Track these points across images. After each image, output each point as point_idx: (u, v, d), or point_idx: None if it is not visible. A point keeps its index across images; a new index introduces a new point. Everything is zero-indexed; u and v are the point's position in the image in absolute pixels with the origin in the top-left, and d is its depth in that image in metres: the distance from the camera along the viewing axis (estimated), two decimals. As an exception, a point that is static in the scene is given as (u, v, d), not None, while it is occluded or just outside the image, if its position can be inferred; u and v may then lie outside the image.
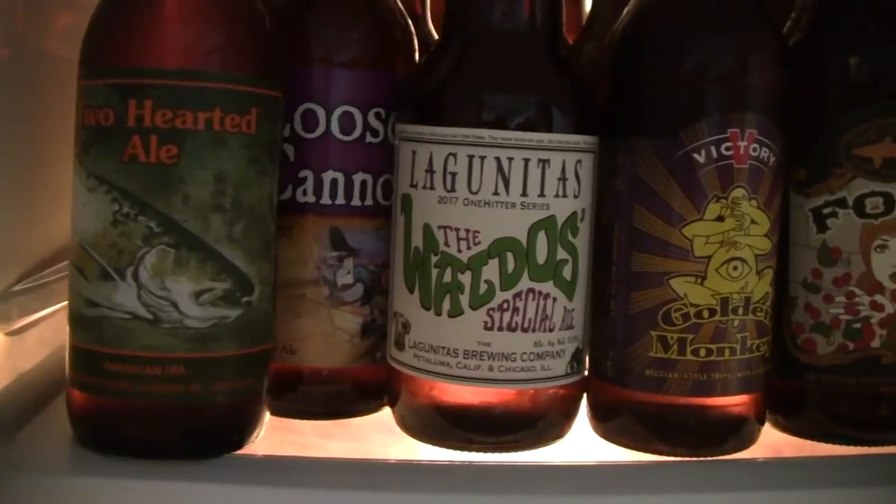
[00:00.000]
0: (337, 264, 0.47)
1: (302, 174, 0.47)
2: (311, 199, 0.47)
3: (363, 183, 0.47)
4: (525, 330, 0.44)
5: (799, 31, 0.48)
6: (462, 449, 0.46)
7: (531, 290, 0.44)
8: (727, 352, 0.45)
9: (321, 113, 0.46)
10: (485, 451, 0.45)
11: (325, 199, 0.47)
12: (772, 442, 0.49)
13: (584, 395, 0.48)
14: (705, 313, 0.44)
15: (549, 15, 0.45)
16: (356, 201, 0.47)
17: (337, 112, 0.46)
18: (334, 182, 0.47)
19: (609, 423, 0.47)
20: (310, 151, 0.47)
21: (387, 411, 0.48)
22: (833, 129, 0.46)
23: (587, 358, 0.47)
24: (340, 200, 0.47)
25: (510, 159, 0.43)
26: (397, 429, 0.47)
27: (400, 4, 0.49)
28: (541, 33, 0.45)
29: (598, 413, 0.47)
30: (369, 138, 0.47)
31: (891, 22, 0.47)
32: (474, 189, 0.43)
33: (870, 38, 0.47)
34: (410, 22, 0.49)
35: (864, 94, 0.47)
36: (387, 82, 0.47)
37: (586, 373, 0.47)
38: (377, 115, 0.47)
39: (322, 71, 0.46)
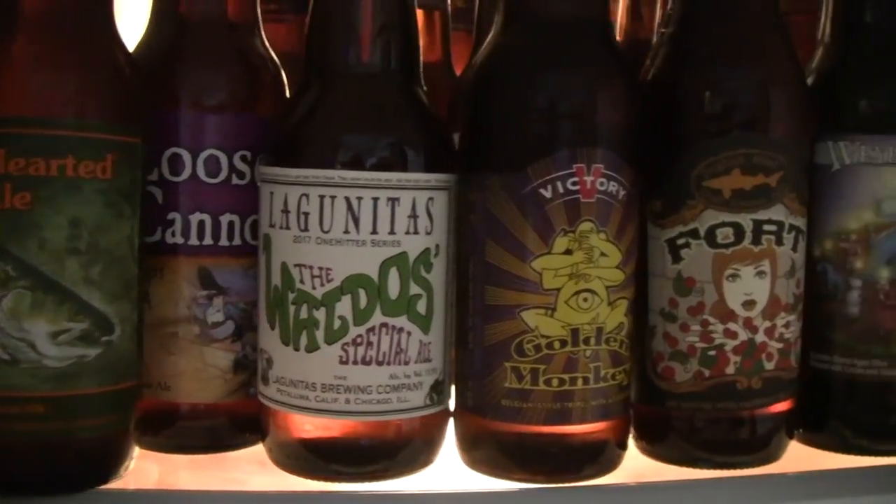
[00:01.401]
0: (207, 303, 0.49)
1: (170, 216, 0.49)
2: (179, 240, 0.49)
3: (230, 224, 0.49)
4: (380, 363, 0.46)
5: (654, 66, 0.50)
6: (328, 480, 0.47)
7: (384, 325, 0.46)
8: (580, 381, 0.47)
9: (187, 157, 0.48)
10: (350, 481, 0.47)
11: (194, 240, 0.49)
12: (638, 467, 0.50)
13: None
14: (556, 344, 0.46)
15: (402, 56, 0.47)
16: (224, 241, 0.49)
17: (203, 155, 0.48)
18: (202, 223, 0.49)
19: (473, 453, 0.49)
20: (177, 194, 0.49)
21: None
22: (685, 161, 0.48)
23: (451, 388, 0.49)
24: (208, 241, 0.49)
25: (360, 199, 0.45)
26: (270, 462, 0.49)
27: (270, 49, 0.51)
28: (394, 74, 0.47)
29: (462, 442, 0.49)
30: (236, 180, 0.49)
31: (739, 56, 0.49)
32: (326, 228, 0.45)
33: (718, 72, 0.49)
34: (279, 66, 0.51)
35: (713, 127, 0.48)
36: (252, 126, 0.49)
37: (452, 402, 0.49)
38: (243, 158, 0.49)
39: (187, 116, 0.48)
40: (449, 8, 0.62)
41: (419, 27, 0.55)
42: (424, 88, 0.49)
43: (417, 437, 0.48)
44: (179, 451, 0.51)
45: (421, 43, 0.51)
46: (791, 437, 0.53)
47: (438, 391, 0.48)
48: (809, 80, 0.53)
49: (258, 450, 0.50)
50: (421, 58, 0.49)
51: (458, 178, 0.48)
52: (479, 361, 0.47)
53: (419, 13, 0.57)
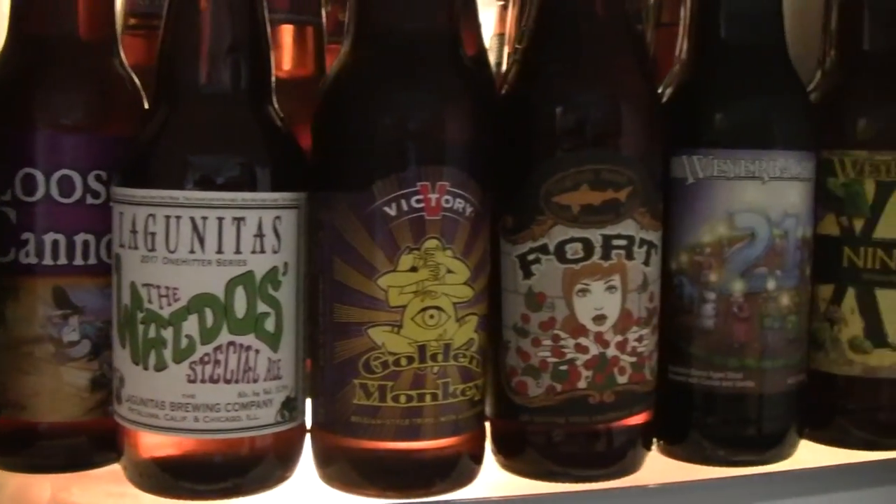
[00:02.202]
0: (62, 322, 0.50)
1: (24, 236, 0.50)
2: (33, 260, 0.50)
3: (85, 243, 0.50)
4: (228, 381, 0.47)
5: (507, 82, 0.51)
6: (182, 498, 0.48)
7: (232, 343, 0.47)
8: (428, 397, 0.48)
9: (40, 177, 0.49)
10: (203, 499, 0.48)
11: (48, 260, 0.50)
12: (497, 481, 0.51)
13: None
14: (403, 361, 0.47)
15: (251, 76, 0.48)
16: (79, 261, 0.50)
17: (56, 176, 0.49)
18: (56, 243, 0.50)
19: (327, 469, 0.50)
20: (31, 214, 0.49)
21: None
22: (534, 178, 0.49)
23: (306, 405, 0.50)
24: (63, 261, 0.50)
25: (205, 219, 0.46)
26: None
27: (129, 69, 0.52)
28: (242, 94, 0.48)
29: (317, 458, 0.50)
30: (90, 200, 0.50)
31: (586, 73, 0.50)
32: (172, 248, 0.46)
33: (566, 89, 0.50)
34: (138, 85, 0.52)
35: (561, 144, 0.50)
36: (107, 146, 0.50)
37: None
38: (98, 178, 0.50)
39: (39, 136, 0.49)
40: (324, 23, 0.63)
41: (289, 43, 0.56)
42: (274, 106, 0.49)
43: (270, 454, 0.49)
44: (39, 470, 0.51)
45: (292, 58, 0.52)
46: (649, 449, 0.53)
47: (290, 408, 0.49)
48: (666, 95, 0.54)
49: (117, 467, 0.51)
50: (272, 76, 0.49)
51: (308, 197, 0.48)
52: (329, 378, 0.48)
53: (290, 28, 0.58)
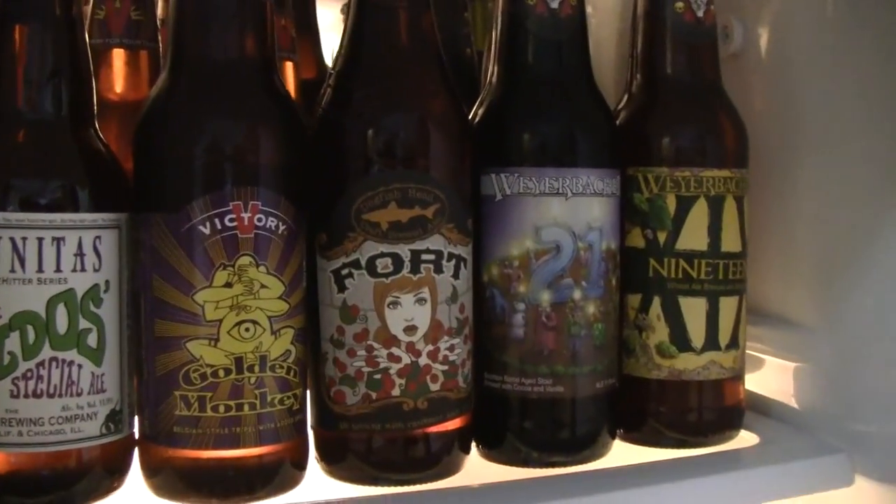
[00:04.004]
0: None
1: None
2: None
3: None
4: (51, 396, 0.51)
5: (321, 104, 0.56)
6: (11, 511, 0.51)
7: (54, 359, 0.51)
8: (246, 407, 0.52)
9: None
10: (32, 510, 0.51)
11: None
12: (322, 487, 0.56)
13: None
14: (221, 373, 0.51)
15: (72, 101, 0.52)
16: None
17: None
18: None
19: (154, 479, 0.54)
20: None
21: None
22: (345, 196, 0.54)
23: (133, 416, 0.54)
24: None
25: (24, 239, 0.50)
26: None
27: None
28: (64, 118, 0.52)
29: (144, 468, 0.54)
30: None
31: (393, 95, 0.55)
32: (-7, 268, 0.50)
33: (373, 111, 0.55)
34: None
35: (369, 164, 0.54)
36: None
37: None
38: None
39: None
40: (159, 46, 0.68)
41: (122, 67, 0.60)
42: (95, 129, 0.53)
43: (97, 466, 0.53)
44: None
45: (125, 82, 0.56)
46: (467, 453, 0.58)
47: (116, 420, 0.53)
48: (477, 116, 0.59)
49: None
50: (93, 101, 0.54)
51: (128, 217, 0.52)
52: (152, 391, 0.52)
53: (123, 53, 0.62)
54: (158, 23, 0.68)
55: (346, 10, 0.84)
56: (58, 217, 0.51)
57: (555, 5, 0.59)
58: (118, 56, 0.64)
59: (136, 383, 0.54)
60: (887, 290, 0.61)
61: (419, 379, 0.55)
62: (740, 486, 0.60)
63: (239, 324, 0.51)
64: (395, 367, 0.55)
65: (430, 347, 0.55)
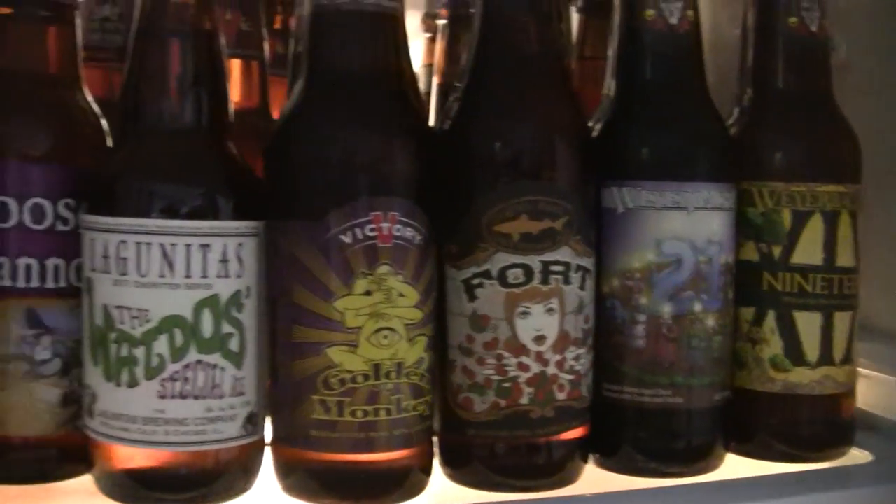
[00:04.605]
0: (34, 341, 0.55)
1: (-1, 260, 0.55)
2: (7, 283, 0.55)
3: (56, 267, 0.56)
4: (196, 397, 0.53)
5: (450, 118, 0.58)
6: (153, 506, 0.54)
7: (199, 362, 0.53)
8: (383, 412, 0.54)
9: (13, 204, 0.55)
10: (172, 506, 0.53)
11: (21, 283, 0.55)
12: (445, 491, 0.58)
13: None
14: (359, 378, 0.53)
15: (211, 114, 0.54)
16: (50, 283, 0.55)
17: (28, 204, 0.55)
18: (28, 267, 0.55)
19: (287, 480, 0.56)
20: (4, 240, 0.55)
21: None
22: (476, 208, 0.56)
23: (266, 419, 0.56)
24: (35, 283, 0.55)
25: (173, 245, 0.52)
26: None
27: (92, 102, 0.58)
28: (204, 130, 0.54)
29: (278, 469, 0.56)
30: (60, 227, 0.55)
31: (524, 110, 0.57)
32: (143, 272, 0.52)
33: (505, 125, 0.57)
34: (99, 117, 0.58)
35: (501, 177, 0.56)
36: (74, 176, 0.56)
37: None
38: (67, 206, 0.55)
39: (12, 166, 0.55)
40: (266, 56, 0.70)
41: (236, 77, 0.62)
42: (234, 140, 0.55)
43: (234, 466, 0.55)
44: (11, 482, 0.56)
45: (239, 91, 0.58)
46: (586, 462, 0.60)
47: (253, 422, 0.55)
48: (597, 130, 0.61)
49: (86, 479, 0.56)
50: (231, 112, 0.56)
51: (266, 225, 0.54)
52: (289, 395, 0.54)
53: (236, 63, 0.65)
54: (264, 32, 0.70)
55: (427, 18, 0.87)
56: (204, 225, 0.52)
57: (673, 21, 0.61)
58: (231, 67, 0.66)
59: (268, 387, 0.55)
60: None
61: (547, 388, 0.57)
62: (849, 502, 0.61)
63: (378, 331, 0.53)
64: (524, 376, 0.56)
65: (558, 357, 0.57)
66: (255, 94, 0.70)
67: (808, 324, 0.64)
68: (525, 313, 0.56)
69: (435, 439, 0.59)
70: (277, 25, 0.75)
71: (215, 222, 0.53)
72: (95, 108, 0.58)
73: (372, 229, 0.53)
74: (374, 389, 0.53)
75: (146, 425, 0.53)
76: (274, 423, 0.56)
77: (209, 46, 0.55)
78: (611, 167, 0.60)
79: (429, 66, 0.89)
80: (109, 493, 0.55)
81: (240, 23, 0.68)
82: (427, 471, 0.57)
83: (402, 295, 0.53)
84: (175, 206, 0.52)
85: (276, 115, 0.70)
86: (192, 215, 0.52)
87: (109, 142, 0.58)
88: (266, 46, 0.71)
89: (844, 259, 0.64)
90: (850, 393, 0.66)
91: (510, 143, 0.56)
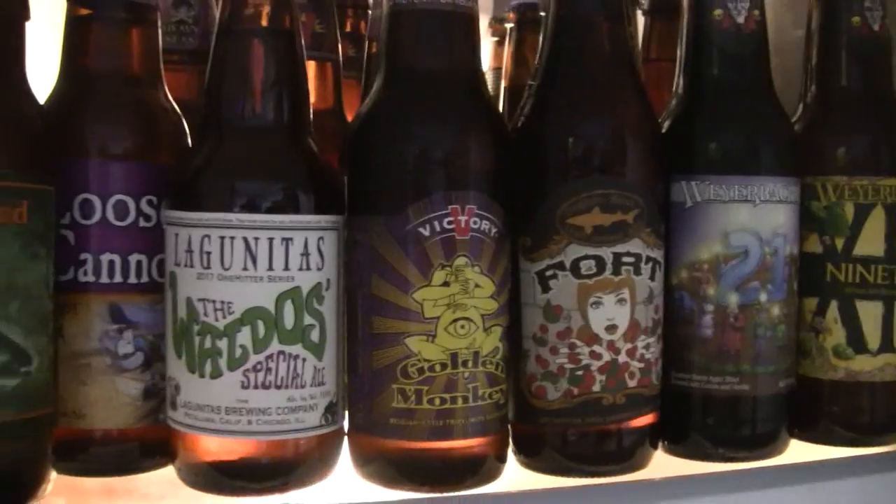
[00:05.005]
0: (117, 336, 0.57)
1: (82, 256, 0.56)
2: (91, 278, 0.56)
3: (139, 263, 0.57)
4: (278, 387, 0.54)
5: (523, 115, 0.59)
6: (234, 495, 0.55)
7: (281, 353, 0.54)
8: (460, 400, 0.55)
9: (97, 202, 0.56)
10: (254, 495, 0.55)
11: (104, 279, 0.56)
12: (518, 478, 0.59)
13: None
14: (438, 367, 0.54)
15: (292, 110, 0.56)
16: (133, 279, 0.57)
17: (111, 200, 0.56)
18: (112, 263, 0.56)
19: (366, 467, 0.57)
20: (88, 236, 0.56)
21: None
22: (550, 201, 0.57)
23: (344, 409, 0.57)
24: (118, 279, 0.57)
25: (256, 239, 0.53)
26: (179, 482, 0.56)
27: (172, 101, 0.59)
28: (285, 127, 0.56)
29: (356, 458, 0.57)
30: (142, 223, 0.57)
31: (596, 107, 0.58)
32: (226, 266, 0.53)
33: (578, 122, 0.58)
34: (180, 115, 0.59)
35: (574, 171, 0.57)
36: (156, 172, 0.57)
37: (346, 422, 0.57)
38: (149, 202, 0.57)
39: (95, 164, 0.56)
40: (340, 58, 0.71)
41: (311, 78, 0.63)
42: (313, 137, 0.57)
43: (314, 454, 0.56)
44: (93, 474, 0.58)
45: (314, 92, 0.59)
46: (655, 448, 0.61)
47: (332, 412, 0.56)
48: (665, 125, 0.62)
49: (168, 471, 0.58)
50: (311, 110, 0.57)
51: (346, 219, 0.56)
52: (368, 384, 0.55)
53: (311, 64, 0.66)
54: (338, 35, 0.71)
55: (494, 23, 0.88)
56: (286, 219, 0.54)
57: (740, 20, 0.62)
58: (308, 68, 0.67)
59: (347, 377, 0.57)
60: None
61: (618, 376, 0.58)
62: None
63: (455, 321, 0.54)
64: (596, 364, 0.57)
65: (629, 346, 0.58)
66: (330, 96, 0.71)
67: (869, 313, 0.65)
68: (597, 303, 0.57)
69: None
70: (349, 28, 0.76)
71: (296, 216, 0.54)
72: (175, 107, 0.59)
73: (449, 222, 0.54)
74: (452, 378, 0.54)
75: (229, 415, 0.54)
76: (352, 412, 0.57)
77: (289, 46, 0.56)
78: (680, 162, 0.61)
79: (497, 70, 0.90)
80: (192, 483, 0.56)
81: (314, 25, 0.69)
82: (502, 458, 0.58)
83: (478, 286, 0.55)
84: (258, 201, 0.54)
85: (348, 116, 0.71)
86: (274, 210, 0.54)
87: (188, 141, 0.59)
88: (339, 48, 0.72)
89: (905, 250, 0.65)
90: (911, 380, 0.67)
91: (583, 139, 0.58)
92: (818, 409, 0.67)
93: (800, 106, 0.68)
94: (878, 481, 0.62)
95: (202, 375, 0.54)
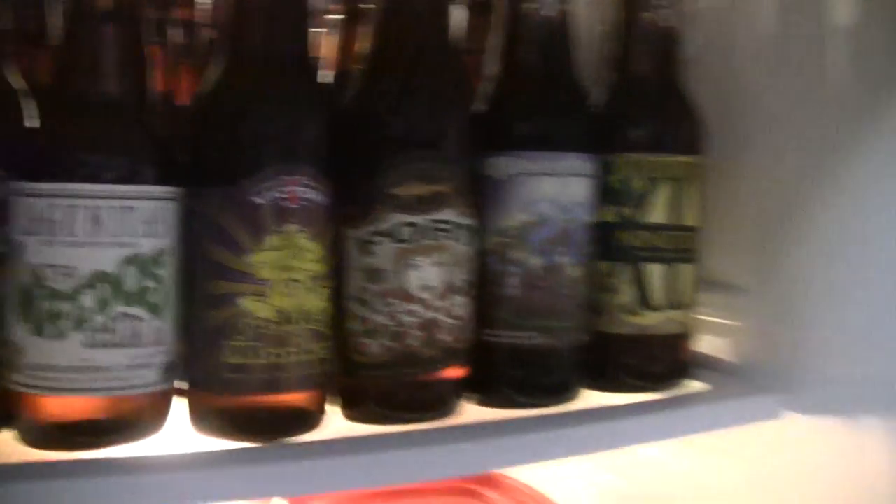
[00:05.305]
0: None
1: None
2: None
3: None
4: (120, 347, 0.58)
5: (351, 95, 0.65)
6: (76, 449, 0.59)
7: (124, 314, 0.58)
8: (288, 356, 0.60)
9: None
10: (94, 448, 0.59)
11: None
12: (340, 427, 0.65)
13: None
14: (269, 325, 0.60)
15: (134, 90, 0.60)
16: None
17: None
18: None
19: (203, 422, 0.62)
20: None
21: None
22: (373, 174, 0.63)
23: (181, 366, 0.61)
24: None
25: (100, 207, 0.57)
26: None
27: (13, 79, 0.62)
28: (128, 105, 0.59)
29: (193, 413, 0.62)
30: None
31: (416, 87, 0.64)
32: (72, 233, 0.57)
33: (400, 100, 0.64)
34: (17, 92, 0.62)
35: (395, 147, 0.63)
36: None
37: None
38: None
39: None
40: (174, 43, 0.75)
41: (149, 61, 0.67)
42: (152, 116, 0.61)
43: (152, 409, 0.60)
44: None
45: (152, 75, 0.63)
46: (464, 398, 0.68)
47: (170, 369, 0.61)
48: (481, 107, 0.69)
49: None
50: (150, 90, 0.61)
51: (185, 189, 0.60)
52: (204, 342, 0.60)
53: (149, 48, 0.70)
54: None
55: (324, 13, 0.93)
56: (131, 189, 0.58)
57: (549, 13, 0.70)
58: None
59: (185, 336, 0.61)
60: (811, 259, 0.75)
61: (432, 332, 0.64)
62: (689, 421, 0.73)
63: (286, 282, 0.60)
64: (412, 321, 0.63)
65: (443, 304, 0.64)
66: (163, 80, 0.74)
67: (655, 274, 0.73)
68: (415, 266, 0.63)
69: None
70: (181, 16, 0.79)
71: (139, 187, 0.58)
72: (15, 84, 0.62)
73: (281, 192, 0.59)
74: (281, 335, 0.60)
75: (74, 374, 0.58)
76: (190, 370, 0.61)
77: (132, 29, 0.60)
78: (493, 140, 0.68)
79: (328, 57, 0.94)
80: (35, 443, 0.59)
81: (151, 12, 0.72)
82: (324, 410, 0.63)
83: (307, 250, 0.60)
84: (104, 172, 0.57)
85: (181, 100, 0.75)
86: (118, 180, 0.57)
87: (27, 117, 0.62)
88: (174, 34, 0.76)
89: (688, 220, 0.74)
90: (690, 334, 0.77)
91: (404, 118, 0.63)
92: (611, 360, 0.74)
93: (600, 92, 0.76)
94: (661, 418, 0.71)
95: (47, 337, 0.57)
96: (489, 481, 0.96)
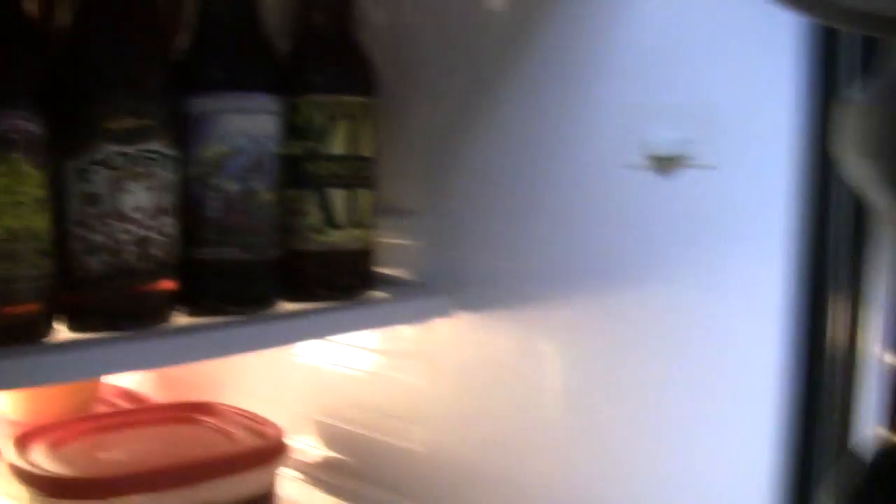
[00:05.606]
0: None
1: None
2: None
3: None
4: None
5: (67, 40, 0.74)
6: None
7: None
8: (16, 269, 0.69)
9: None
10: None
11: None
12: (63, 338, 0.74)
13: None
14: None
15: None
16: None
17: None
18: None
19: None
20: None
21: None
22: (88, 108, 0.72)
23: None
24: None
25: None
26: None
27: None
28: None
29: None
30: None
31: (121, 34, 0.74)
32: None
33: (105, 46, 0.73)
34: None
35: (107, 86, 0.72)
36: None
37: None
38: None
39: None
40: None
41: None
42: None
43: None
44: None
45: None
46: (175, 308, 0.79)
47: None
48: (181, 52, 0.80)
49: None
50: None
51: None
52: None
53: None
54: None
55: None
56: None
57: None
58: None
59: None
60: (473, 186, 0.91)
61: (146, 249, 0.75)
62: (371, 318, 0.90)
63: (14, 205, 0.69)
64: (128, 239, 0.74)
65: (154, 223, 0.75)
66: None
67: (338, 198, 0.86)
68: (127, 191, 0.73)
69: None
70: None
71: None
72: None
73: (8, 125, 0.68)
74: (11, 252, 0.68)
75: None
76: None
77: None
78: (192, 81, 0.79)
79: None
80: None
81: None
82: (50, 321, 0.72)
83: (31, 176, 0.69)
84: None
85: None
86: None
87: None
88: None
89: (365, 151, 0.88)
90: (372, 250, 0.90)
91: (112, 60, 0.73)
92: (303, 274, 0.87)
93: (287, 43, 0.88)
94: (347, 314, 0.86)
95: None
96: (205, 408, 1.07)
